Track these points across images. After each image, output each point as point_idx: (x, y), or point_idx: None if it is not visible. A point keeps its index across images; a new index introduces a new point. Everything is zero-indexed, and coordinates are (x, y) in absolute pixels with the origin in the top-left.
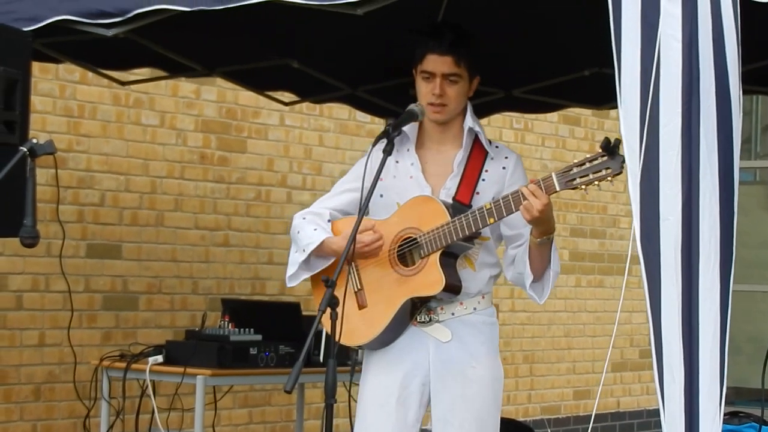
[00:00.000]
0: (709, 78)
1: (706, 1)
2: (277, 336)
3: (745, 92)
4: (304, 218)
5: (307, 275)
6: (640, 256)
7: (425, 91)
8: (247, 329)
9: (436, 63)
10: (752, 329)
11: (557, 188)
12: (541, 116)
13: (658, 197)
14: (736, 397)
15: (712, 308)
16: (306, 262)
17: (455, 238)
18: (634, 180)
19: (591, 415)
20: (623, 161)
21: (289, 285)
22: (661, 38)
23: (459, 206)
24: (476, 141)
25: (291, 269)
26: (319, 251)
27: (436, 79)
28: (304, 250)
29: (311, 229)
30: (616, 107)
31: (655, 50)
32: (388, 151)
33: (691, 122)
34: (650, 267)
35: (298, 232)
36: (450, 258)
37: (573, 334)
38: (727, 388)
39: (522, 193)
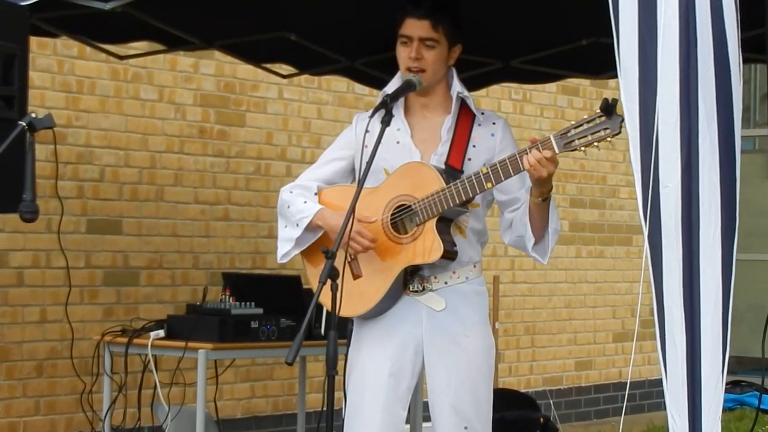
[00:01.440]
0: (707, 45)
1: None
2: (278, 309)
3: (744, 60)
4: (291, 192)
5: (297, 251)
6: (642, 224)
7: (404, 55)
8: (248, 303)
9: (414, 27)
10: (753, 298)
11: (556, 150)
12: (539, 87)
13: (658, 165)
14: (737, 366)
15: (714, 276)
16: (299, 237)
17: (451, 204)
18: (635, 148)
19: (593, 386)
20: (622, 121)
21: (281, 261)
22: (658, 5)
23: (452, 171)
24: (463, 107)
25: (285, 246)
26: (309, 225)
27: (414, 43)
28: (297, 225)
29: (301, 202)
30: (614, 77)
31: (653, 18)
32: (386, 122)
33: (690, 89)
34: (651, 235)
35: (288, 207)
36: (445, 224)
37: (574, 304)
38: (729, 357)
39: (525, 157)
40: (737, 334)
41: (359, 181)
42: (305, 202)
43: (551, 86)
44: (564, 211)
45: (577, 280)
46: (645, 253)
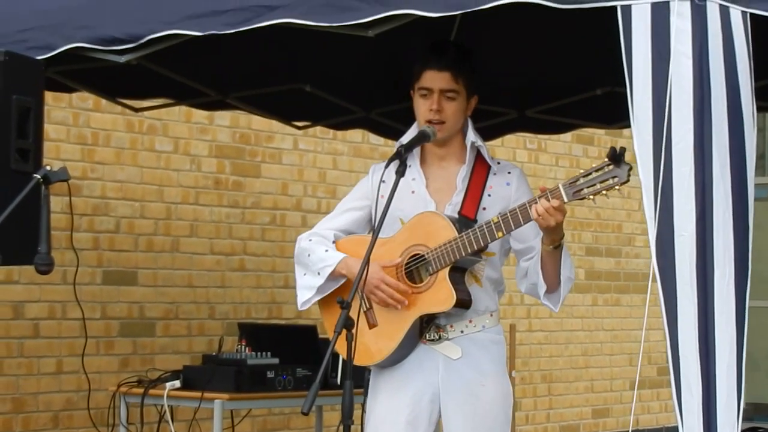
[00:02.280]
0: (721, 94)
1: (716, 16)
2: (294, 359)
3: (759, 109)
4: (310, 240)
5: (318, 298)
6: (656, 272)
7: (423, 108)
8: (264, 353)
9: (434, 79)
10: None
11: (565, 199)
12: (554, 136)
13: (672, 213)
14: (754, 412)
15: (729, 323)
16: (320, 286)
17: (464, 254)
18: (648, 196)
19: None
20: (630, 169)
21: (302, 308)
22: (672, 54)
23: (465, 221)
24: (478, 156)
25: (306, 294)
26: (333, 273)
27: (434, 95)
28: (318, 273)
29: (322, 250)
30: (628, 126)
31: (667, 67)
32: (401, 172)
33: (704, 138)
34: (666, 283)
35: (309, 255)
36: (459, 273)
37: (590, 352)
38: (746, 403)
39: (533, 207)
40: (753, 380)
41: (374, 230)
42: (326, 250)
43: (566, 136)
44: (580, 259)
45: (594, 328)
46: (647, 300)
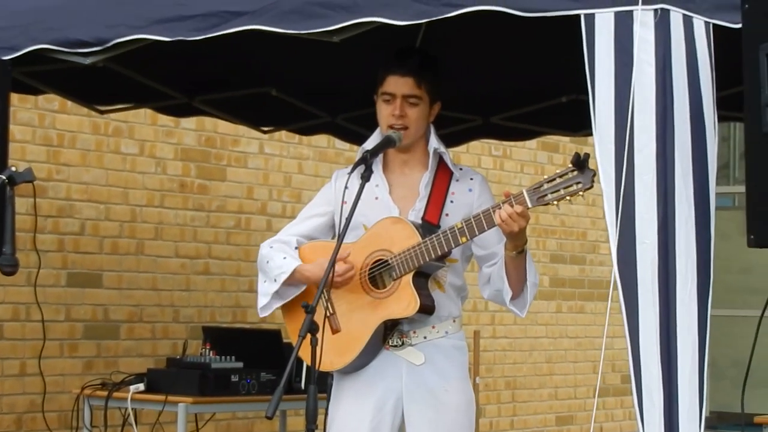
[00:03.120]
0: (683, 102)
1: (679, 26)
2: (259, 363)
3: (722, 119)
4: (271, 247)
5: (279, 304)
6: (617, 281)
7: (386, 113)
8: (228, 357)
9: (397, 84)
10: (735, 354)
11: (529, 204)
12: (519, 143)
13: (634, 221)
14: (719, 421)
15: (690, 331)
16: (277, 292)
17: (427, 259)
18: (610, 204)
19: None
20: (594, 175)
21: (261, 315)
22: (635, 63)
23: (428, 226)
24: (441, 163)
25: (263, 300)
26: (291, 279)
27: (397, 100)
28: (275, 280)
29: (281, 257)
30: (593, 134)
31: (629, 75)
32: (366, 177)
33: (666, 146)
34: (628, 291)
35: (267, 262)
36: (422, 279)
37: (554, 359)
38: (711, 412)
39: (497, 212)
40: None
41: (338, 236)
42: (284, 258)
43: (531, 143)
44: (544, 266)
45: (558, 335)
46: (608, 308)
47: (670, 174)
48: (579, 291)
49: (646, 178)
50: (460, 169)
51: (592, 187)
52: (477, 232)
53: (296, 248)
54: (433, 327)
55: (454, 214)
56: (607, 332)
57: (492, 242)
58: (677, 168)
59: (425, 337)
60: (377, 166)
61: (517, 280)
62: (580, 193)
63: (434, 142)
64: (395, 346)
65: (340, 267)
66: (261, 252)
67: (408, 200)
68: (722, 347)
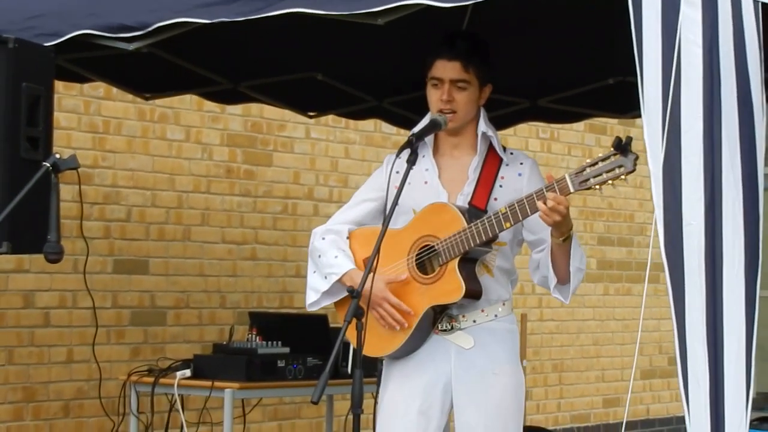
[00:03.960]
0: (731, 82)
1: (727, 5)
2: (305, 348)
3: None
4: (323, 238)
5: (329, 302)
6: (664, 263)
7: (435, 98)
8: (274, 342)
9: (445, 69)
10: None
11: (571, 189)
12: (567, 125)
13: (681, 203)
14: (765, 402)
15: (738, 313)
16: (327, 291)
17: (473, 245)
18: (657, 186)
19: (621, 423)
20: (636, 158)
21: (310, 309)
22: (681, 43)
23: (475, 211)
24: (491, 147)
25: (312, 296)
26: (340, 281)
27: (445, 85)
28: (325, 278)
29: (332, 255)
30: (641, 116)
31: (677, 57)
32: (412, 161)
33: (713, 127)
34: (674, 273)
35: (319, 256)
36: (469, 264)
37: (601, 342)
38: (758, 393)
39: (540, 200)
40: (765, 371)
41: (384, 221)
42: (336, 256)
43: (579, 125)
44: (591, 249)
45: (605, 318)
46: (644, 290)
47: (717, 155)
48: (626, 273)
49: (693, 159)
50: (511, 153)
51: (634, 170)
52: (521, 217)
53: (347, 237)
54: (483, 311)
55: (502, 199)
56: (654, 314)
57: (540, 228)
58: (724, 149)
59: (474, 321)
60: (427, 150)
61: (563, 267)
62: (623, 176)
63: (483, 126)
64: (444, 330)
65: (392, 303)
66: (313, 243)
67: (457, 184)
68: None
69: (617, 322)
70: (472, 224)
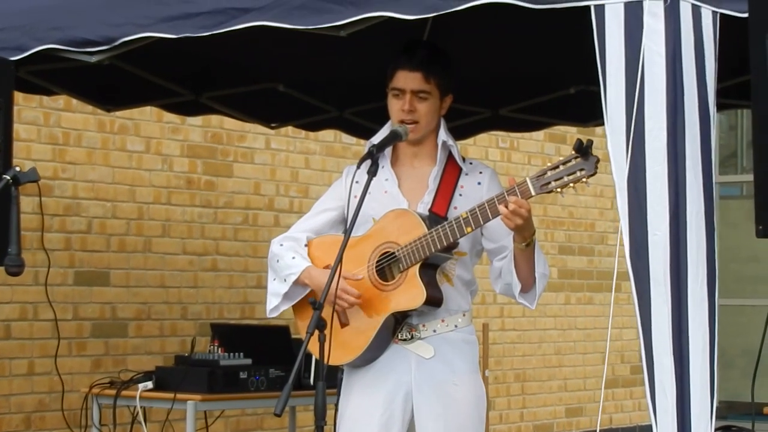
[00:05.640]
0: (692, 93)
1: (688, 16)
2: (267, 360)
3: (730, 107)
4: (281, 245)
5: (287, 305)
6: (629, 273)
7: (396, 108)
8: (236, 353)
9: (406, 79)
10: (744, 343)
11: (533, 193)
12: (527, 135)
13: (646, 212)
14: (728, 411)
15: (702, 323)
16: (287, 293)
17: (433, 250)
18: (622, 195)
19: None
20: (597, 161)
21: (270, 316)
22: (645, 53)
23: (435, 218)
24: (450, 156)
25: (273, 301)
26: (298, 281)
27: (406, 95)
28: (285, 280)
29: (290, 257)
30: (602, 125)
31: (640, 66)
32: (373, 172)
33: (677, 137)
34: (640, 283)
35: (277, 261)
36: (430, 270)
37: (564, 351)
38: (720, 402)
39: (501, 204)
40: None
41: (346, 232)
42: (293, 257)
43: (538, 134)
44: (553, 258)
45: (567, 327)
46: (612, 299)
47: (681, 165)
48: (588, 282)
49: (658, 169)
50: (471, 163)
51: (595, 173)
52: (482, 222)
53: (306, 245)
54: (443, 320)
55: (462, 208)
56: (615, 323)
57: (501, 235)
58: (688, 158)
59: (435, 331)
60: (386, 160)
61: (527, 273)
62: (584, 179)
63: (443, 135)
64: (404, 339)
65: (349, 292)
66: (272, 249)
67: (417, 193)
68: (731, 337)
69: (579, 331)
70: (432, 230)
